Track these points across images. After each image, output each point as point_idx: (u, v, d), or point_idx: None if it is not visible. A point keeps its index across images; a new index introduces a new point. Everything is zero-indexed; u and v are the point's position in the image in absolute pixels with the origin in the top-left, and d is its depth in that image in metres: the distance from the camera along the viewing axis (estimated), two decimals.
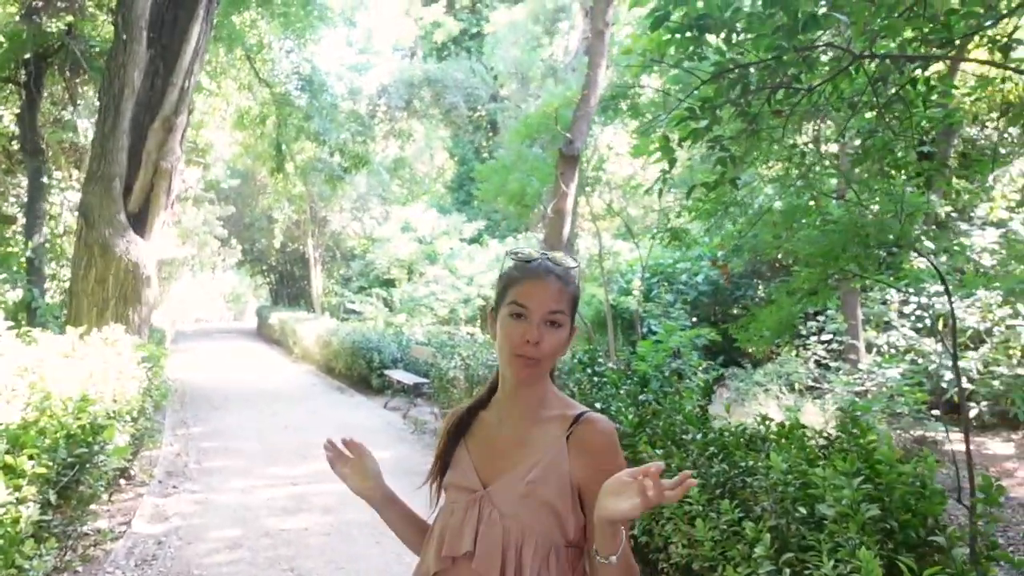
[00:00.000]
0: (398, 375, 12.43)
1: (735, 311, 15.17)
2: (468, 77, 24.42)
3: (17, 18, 12.18)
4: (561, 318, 1.60)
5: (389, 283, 24.30)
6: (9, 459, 3.80)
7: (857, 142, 5.47)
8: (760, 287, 14.51)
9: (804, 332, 10.75)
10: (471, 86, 24.32)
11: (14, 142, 14.11)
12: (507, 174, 10.69)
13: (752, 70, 4.22)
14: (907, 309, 9.87)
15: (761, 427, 4.31)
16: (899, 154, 4.94)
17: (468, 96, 24.48)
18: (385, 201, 26.71)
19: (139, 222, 8.48)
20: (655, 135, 4.90)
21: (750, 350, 9.99)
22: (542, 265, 1.65)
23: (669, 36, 4.14)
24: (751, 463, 3.79)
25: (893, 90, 4.25)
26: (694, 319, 13.43)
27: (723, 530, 3.63)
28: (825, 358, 10.49)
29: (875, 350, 10.14)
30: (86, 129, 13.44)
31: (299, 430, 9.93)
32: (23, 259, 12.51)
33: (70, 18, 12.19)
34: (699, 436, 4.24)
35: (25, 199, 13.74)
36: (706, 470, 3.96)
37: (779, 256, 11.88)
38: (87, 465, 4.53)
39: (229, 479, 7.47)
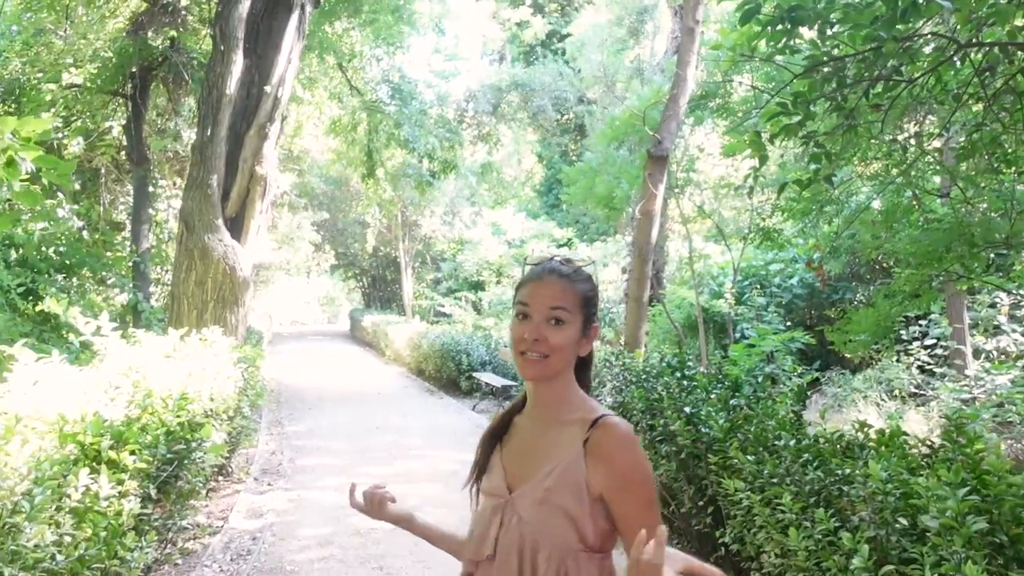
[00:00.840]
0: (487, 377, 12.49)
1: (831, 314, 14.70)
2: (555, 80, 24.35)
3: (124, 34, 12.77)
4: (564, 315, 1.63)
5: (478, 286, 24.47)
6: (112, 454, 3.96)
7: (962, 137, 5.22)
8: (859, 290, 14.01)
9: (906, 337, 10.32)
10: (558, 89, 24.23)
11: (122, 153, 14.78)
12: (594, 177, 10.61)
13: (848, 63, 4.06)
14: (1019, 312, 9.36)
15: (859, 434, 4.13)
16: (1009, 148, 4.68)
17: (555, 99, 24.41)
18: (474, 205, 26.92)
19: (236, 227, 8.78)
20: (747, 133, 4.76)
21: (847, 355, 9.64)
22: (546, 267, 1.70)
23: (759, 29, 4.01)
24: (848, 471, 3.63)
25: (1001, 81, 4.03)
26: (788, 323, 13.06)
27: (818, 540, 3.49)
28: (929, 364, 10.04)
29: (983, 356, 9.65)
30: (188, 138, 13.98)
31: (390, 431, 10.07)
32: (129, 264, 13.07)
33: (173, 32, 12.72)
34: (792, 442, 4.09)
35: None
36: (800, 477, 3.81)
37: (879, 257, 11.46)
38: (185, 461, 4.68)
39: (322, 477, 7.63)
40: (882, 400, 9.63)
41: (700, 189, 14.27)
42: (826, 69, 4.03)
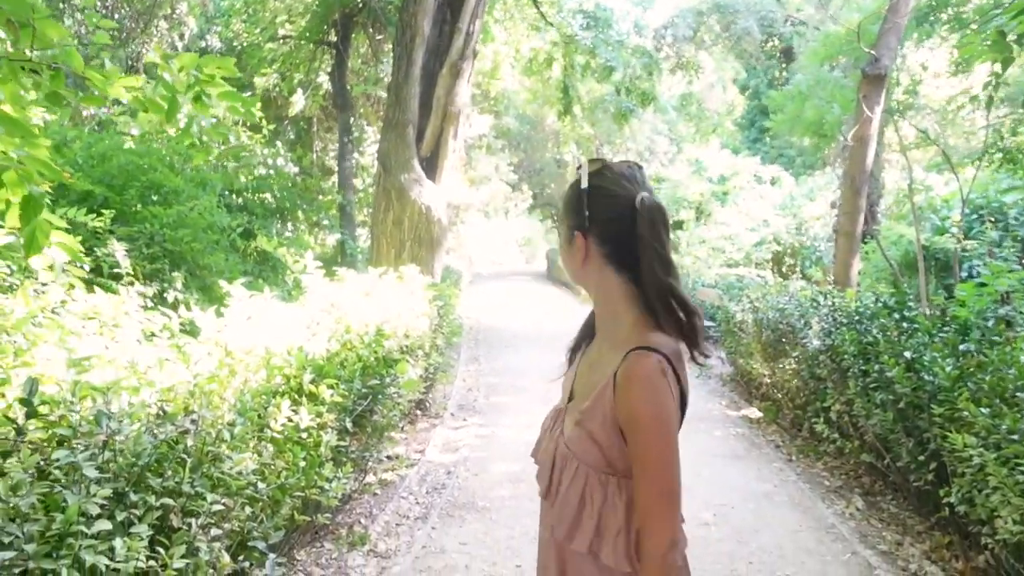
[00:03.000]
0: None
1: None
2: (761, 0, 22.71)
3: None
4: (561, 228, 1.69)
5: (677, 225, 23.81)
6: (312, 388, 4.09)
7: None
8: None
9: None
10: (764, 9, 22.59)
11: (328, 101, 15.45)
12: (803, 102, 9.80)
13: None
14: None
15: None
16: None
17: (761, 20, 22.79)
18: (673, 141, 26.06)
19: (430, 166, 8.91)
20: (988, 32, 4.10)
21: None
22: None
23: None
24: None
25: None
26: (1016, 258, 11.62)
27: None
28: None
29: None
30: (388, 83, 14.37)
31: None
32: (336, 207, 13.71)
33: None
34: None
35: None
36: None
37: None
38: (380, 396, 4.77)
39: (514, 415, 7.69)
40: None
41: (922, 113, 12.93)
42: None
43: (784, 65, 25.57)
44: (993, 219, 10.92)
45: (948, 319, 5.32)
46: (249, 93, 11.37)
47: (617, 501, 1.56)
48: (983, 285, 7.34)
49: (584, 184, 1.62)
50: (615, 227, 1.59)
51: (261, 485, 3.32)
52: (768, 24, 22.87)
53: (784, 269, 18.79)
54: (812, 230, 18.33)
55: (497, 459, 6.22)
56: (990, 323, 6.27)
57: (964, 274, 11.21)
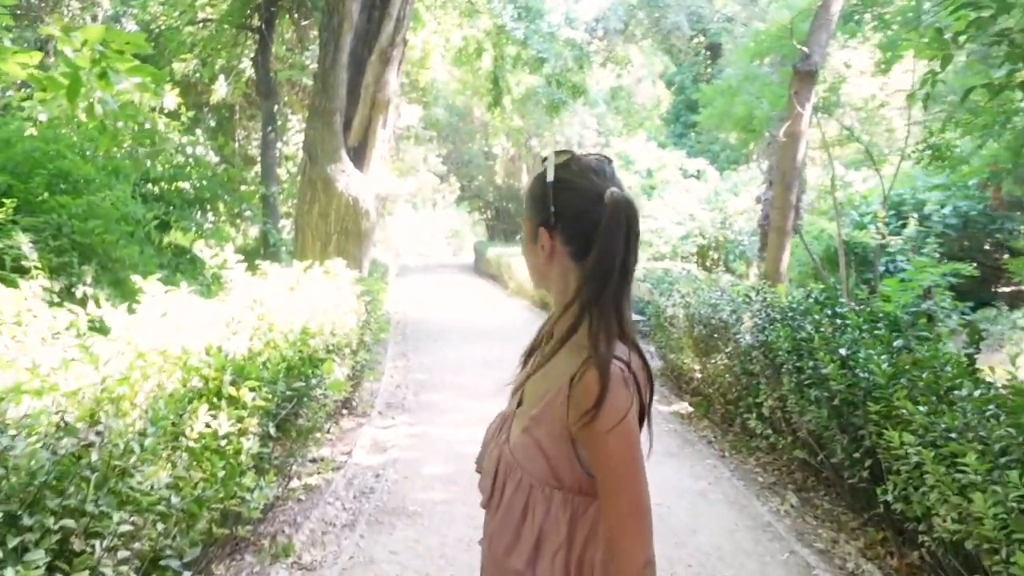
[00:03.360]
0: None
1: (987, 247, 13.47)
2: None
3: None
4: (525, 224, 1.58)
5: None
6: (232, 390, 3.83)
7: None
8: (1022, 221, 12.73)
9: None
10: (694, 4, 22.70)
11: (251, 88, 14.95)
12: (732, 97, 9.83)
13: None
14: None
15: None
16: None
17: (691, 16, 22.91)
18: (601, 134, 26.13)
19: (358, 156, 8.61)
20: (923, 29, 4.07)
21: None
22: None
23: None
24: None
25: None
26: (936, 255, 11.98)
27: (1011, 507, 2.99)
28: None
29: None
30: (314, 70, 13.97)
31: (514, 366, 9.85)
32: (259, 197, 13.28)
33: None
34: (977, 392, 3.53)
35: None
36: (988, 433, 3.27)
37: None
38: (305, 399, 4.54)
39: (445, 413, 7.50)
40: None
41: (844, 110, 13.16)
42: None
43: (709, 62, 25.89)
44: (916, 216, 11.19)
45: (879, 315, 5.33)
46: (168, 79, 10.90)
47: (560, 517, 1.47)
48: (907, 280, 7.50)
49: (550, 177, 1.49)
50: (581, 223, 1.47)
51: (175, 499, 3.07)
52: (696, 19, 23.07)
53: (708, 263, 19.06)
54: (737, 224, 18.61)
55: (428, 460, 6.03)
56: (914, 318, 6.37)
57: (882, 269, 11.48)
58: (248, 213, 13.52)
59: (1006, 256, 13.58)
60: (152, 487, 2.94)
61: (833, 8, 7.49)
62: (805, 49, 7.53)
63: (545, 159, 1.53)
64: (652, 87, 28.36)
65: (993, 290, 13.28)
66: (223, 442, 3.56)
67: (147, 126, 9.83)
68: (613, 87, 24.79)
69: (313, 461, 5.81)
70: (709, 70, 25.07)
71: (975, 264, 11.23)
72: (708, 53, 25.86)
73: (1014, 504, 2.97)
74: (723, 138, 18.38)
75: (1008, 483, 2.98)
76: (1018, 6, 3.88)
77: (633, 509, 1.38)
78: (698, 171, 22.23)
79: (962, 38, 4.02)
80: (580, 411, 1.39)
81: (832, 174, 11.76)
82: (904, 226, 11.71)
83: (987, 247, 13.54)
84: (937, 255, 11.38)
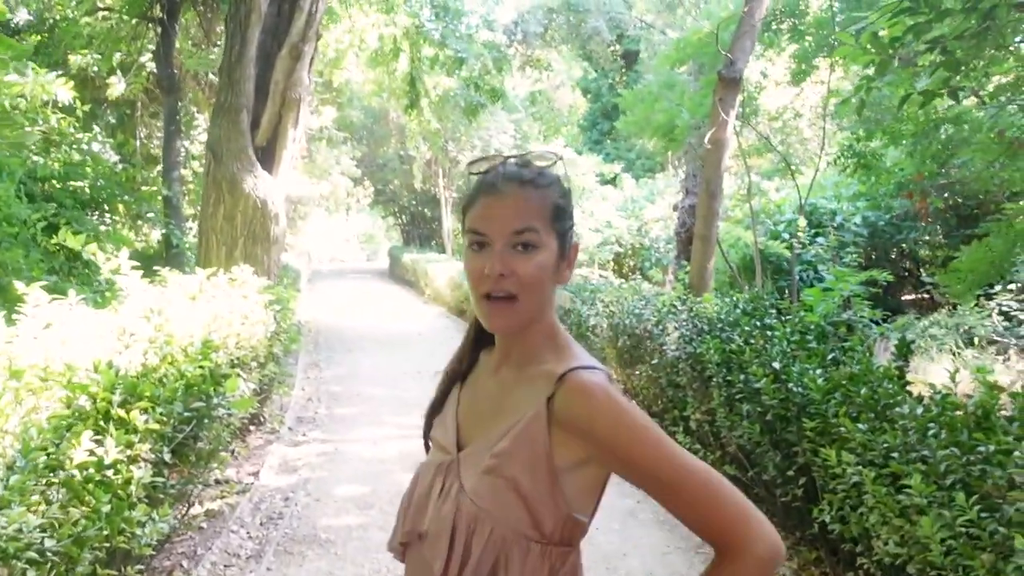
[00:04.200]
0: None
1: (893, 256, 13.85)
2: (610, 0, 22.79)
3: None
4: (532, 237, 1.23)
5: None
6: (121, 412, 3.42)
7: None
8: (925, 231, 13.12)
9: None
10: (613, 10, 22.72)
11: (152, 82, 14.21)
12: (653, 103, 9.75)
13: None
14: None
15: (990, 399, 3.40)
16: None
17: (610, 21, 22.92)
18: (519, 139, 26.04)
19: (267, 157, 8.13)
20: (863, 33, 3.98)
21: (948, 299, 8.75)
22: (499, 174, 1.28)
23: None
24: (990, 447, 2.98)
25: None
26: (856, 264, 12.23)
27: (959, 532, 2.85)
28: (1016, 310, 9.17)
29: None
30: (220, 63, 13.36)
31: (432, 376, 9.55)
32: (161, 198, 12.63)
33: None
34: (920, 410, 3.39)
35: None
36: (933, 453, 3.13)
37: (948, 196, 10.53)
38: (205, 420, 4.13)
39: (360, 428, 7.14)
40: (958, 348, 8.87)
41: (761, 120, 13.32)
42: None
43: (624, 70, 26.09)
44: (835, 225, 11.36)
45: (809, 326, 5.24)
46: (60, 72, 10.21)
47: (539, 575, 1.21)
48: (829, 290, 7.51)
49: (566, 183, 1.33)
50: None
51: (49, 542, 2.68)
52: (616, 25, 23.13)
53: (625, 270, 19.13)
54: (653, 232, 18.73)
55: (342, 480, 5.66)
56: (835, 328, 6.35)
57: (796, 278, 11.64)
58: (150, 215, 12.83)
59: (908, 264, 14.04)
60: (20, 531, 2.55)
61: (757, 15, 7.47)
62: (729, 56, 7.47)
63: (554, 160, 1.34)
64: (571, 93, 28.43)
65: (901, 298, 13.67)
66: (110, 472, 3.16)
67: (41, 123, 9.17)
68: (532, 91, 24.72)
69: (217, 482, 5.39)
70: (625, 78, 25.23)
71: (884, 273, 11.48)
72: (623, 61, 26.05)
73: (962, 529, 2.84)
74: (640, 146, 18.50)
75: (955, 506, 2.85)
76: (951, 14, 3.81)
77: (715, 482, 1.16)
78: (615, 176, 22.32)
79: (897, 44, 3.93)
80: (590, 432, 1.19)
81: (748, 182, 11.86)
82: (818, 235, 11.90)
83: (892, 256, 13.94)
84: (856, 264, 11.59)
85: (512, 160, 1.32)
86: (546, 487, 1.20)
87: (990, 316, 9.27)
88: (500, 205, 1.24)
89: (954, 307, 10.01)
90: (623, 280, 14.28)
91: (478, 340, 1.45)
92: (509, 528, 1.20)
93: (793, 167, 11.93)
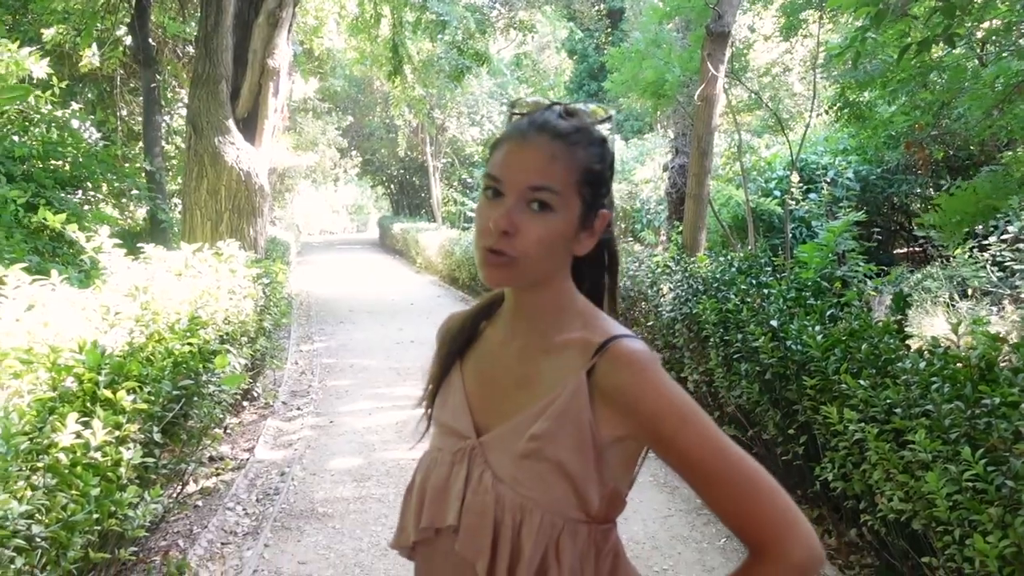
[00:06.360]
0: None
1: (885, 210, 13.76)
2: None
3: None
4: (550, 197, 1.08)
5: None
6: (108, 393, 3.34)
7: None
8: (918, 183, 13.02)
9: (979, 232, 9.35)
10: None
11: (128, 56, 13.93)
12: (641, 60, 9.58)
13: None
14: None
15: (992, 351, 3.34)
16: None
17: None
18: (503, 105, 25.77)
19: (248, 128, 7.97)
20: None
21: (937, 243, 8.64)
22: (531, 120, 1.13)
23: None
24: (995, 400, 2.93)
25: None
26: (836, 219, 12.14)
27: (965, 486, 2.81)
28: (1008, 260, 9.10)
29: None
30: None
31: (425, 345, 9.45)
32: (143, 175, 12.44)
33: None
34: (922, 365, 3.33)
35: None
36: (939, 409, 3.08)
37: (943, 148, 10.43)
38: (195, 397, 4.05)
39: (355, 400, 7.07)
40: (953, 300, 8.84)
41: (751, 76, 13.17)
42: None
43: (610, 29, 25.75)
44: (827, 180, 11.25)
45: (806, 283, 5.17)
46: (38, 47, 9.97)
47: (587, 557, 1.12)
48: (824, 245, 7.44)
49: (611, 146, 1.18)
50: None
51: (36, 528, 2.61)
52: None
53: (617, 233, 19.01)
54: (644, 193, 18.56)
55: (337, 453, 5.61)
56: (831, 283, 6.29)
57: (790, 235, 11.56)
58: (135, 192, 12.64)
59: (900, 218, 13.97)
60: (5, 518, 2.48)
61: None
62: (717, 9, 7.32)
63: (600, 118, 1.19)
64: (556, 55, 28.09)
65: (893, 252, 13.62)
66: (97, 454, 3.08)
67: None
68: (517, 54, 24.41)
69: (212, 460, 5.33)
70: (611, 37, 24.92)
71: (876, 228, 11.40)
72: (608, 20, 25.71)
73: (968, 483, 2.79)
74: (628, 106, 18.26)
75: (960, 461, 2.80)
76: None
77: (759, 478, 1.08)
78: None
79: None
80: (636, 405, 1.08)
81: (739, 140, 11.73)
82: (809, 191, 11.81)
83: (885, 210, 13.84)
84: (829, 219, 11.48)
85: (557, 108, 1.16)
86: (593, 464, 1.11)
87: (984, 267, 9.23)
88: (523, 154, 1.11)
89: (947, 260, 9.98)
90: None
91: (480, 313, 1.32)
92: (556, 513, 1.11)
93: (783, 123, 11.80)
